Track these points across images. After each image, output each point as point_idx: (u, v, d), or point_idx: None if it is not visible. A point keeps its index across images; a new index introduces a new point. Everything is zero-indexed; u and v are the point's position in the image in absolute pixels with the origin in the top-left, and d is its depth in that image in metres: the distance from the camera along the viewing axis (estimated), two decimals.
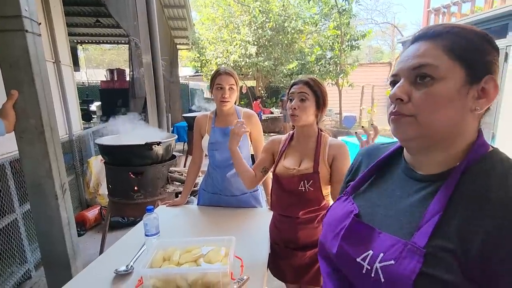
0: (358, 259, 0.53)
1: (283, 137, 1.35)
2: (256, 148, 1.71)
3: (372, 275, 0.50)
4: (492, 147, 0.52)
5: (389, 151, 0.65)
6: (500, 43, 3.61)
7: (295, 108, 1.18)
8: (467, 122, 0.51)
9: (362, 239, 0.56)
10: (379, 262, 0.50)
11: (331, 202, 1.26)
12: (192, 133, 1.77)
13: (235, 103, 1.67)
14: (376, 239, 0.53)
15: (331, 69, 8.46)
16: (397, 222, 0.53)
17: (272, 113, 10.73)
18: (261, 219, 1.51)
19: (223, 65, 10.20)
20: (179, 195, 1.81)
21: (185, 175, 1.90)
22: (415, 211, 0.52)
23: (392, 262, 0.48)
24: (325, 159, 1.19)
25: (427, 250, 0.45)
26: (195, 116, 1.80)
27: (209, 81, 1.66)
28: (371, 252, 0.52)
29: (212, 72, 1.72)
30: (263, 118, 9.76)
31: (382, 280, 0.48)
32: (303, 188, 1.17)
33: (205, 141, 1.66)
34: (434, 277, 0.44)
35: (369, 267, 0.51)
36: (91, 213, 3.12)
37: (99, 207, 3.24)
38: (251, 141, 1.69)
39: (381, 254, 0.50)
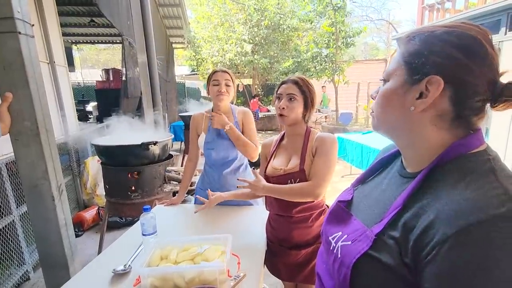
0: (330, 238, 0.63)
1: (275, 138, 1.37)
2: None
3: (335, 251, 0.59)
4: (487, 145, 0.52)
5: (396, 149, 0.68)
6: (493, 38, 3.63)
7: (283, 108, 1.19)
8: (421, 123, 0.51)
9: (340, 222, 0.64)
10: (341, 242, 0.58)
11: (324, 200, 1.27)
12: (189, 132, 1.78)
13: (231, 103, 1.68)
14: (349, 224, 0.61)
15: (327, 66, 8.48)
16: (370, 212, 0.59)
17: (269, 111, 10.73)
18: (257, 217, 1.52)
19: (219, 65, 10.19)
20: (176, 194, 1.82)
21: (182, 174, 1.90)
22: (388, 204, 0.55)
23: (349, 242, 0.56)
24: (310, 155, 1.18)
25: (377, 237, 0.51)
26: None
27: (206, 81, 1.67)
28: (340, 233, 0.61)
29: (209, 71, 1.73)
30: (260, 116, 9.78)
31: (339, 256, 0.57)
32: None
33: (201, 140, 1.67)
34: (375, 259, 0.50)
35: (334, 245, 0.60)
36: (89, 214, 3.12)
37: (96, 208, 3.24)
38: None
39: (345, 236, 0.58)
